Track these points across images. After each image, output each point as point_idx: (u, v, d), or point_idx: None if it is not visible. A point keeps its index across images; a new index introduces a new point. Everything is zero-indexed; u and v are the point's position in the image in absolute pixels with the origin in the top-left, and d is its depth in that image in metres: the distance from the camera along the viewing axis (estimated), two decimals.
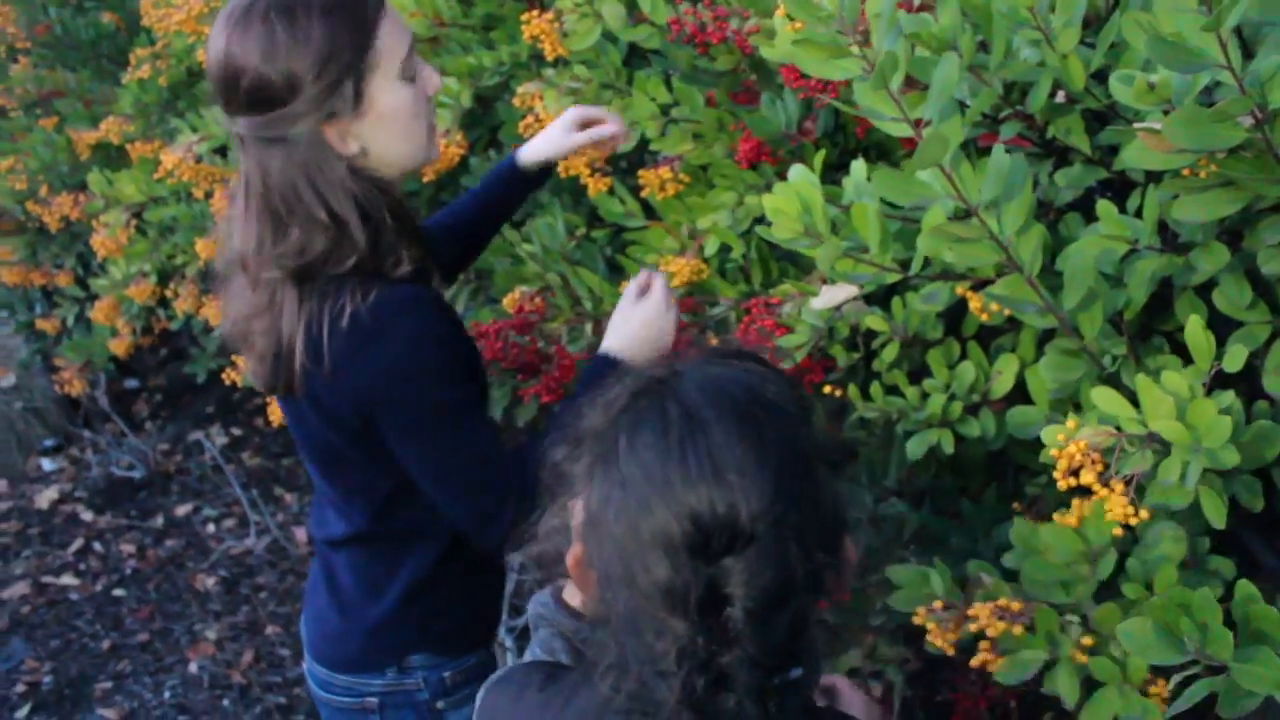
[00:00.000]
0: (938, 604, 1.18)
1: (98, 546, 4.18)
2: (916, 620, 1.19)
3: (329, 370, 1.35)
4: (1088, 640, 1.12)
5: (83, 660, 3.59)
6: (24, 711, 3.39)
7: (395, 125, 1.39)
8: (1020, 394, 1.38)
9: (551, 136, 1.76)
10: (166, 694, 3.42)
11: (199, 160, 2.77)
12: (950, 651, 1.18)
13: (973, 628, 1.14)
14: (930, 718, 2.35)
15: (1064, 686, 1.13)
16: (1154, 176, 1.20)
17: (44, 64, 3.82)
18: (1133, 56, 1.17)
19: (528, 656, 1.30)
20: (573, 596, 1.14)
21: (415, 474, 1.43)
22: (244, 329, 1.44)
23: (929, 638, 1.19)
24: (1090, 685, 1.14)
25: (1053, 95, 1.28)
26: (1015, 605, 1.13)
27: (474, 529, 1.45)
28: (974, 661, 1.15)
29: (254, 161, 1.36)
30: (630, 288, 1.53)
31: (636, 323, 1.49)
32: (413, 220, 1.46)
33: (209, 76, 1.38)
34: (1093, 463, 1.12)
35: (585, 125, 1.78)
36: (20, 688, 3.49)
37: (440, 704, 1.56)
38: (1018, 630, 1.12)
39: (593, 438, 0.98)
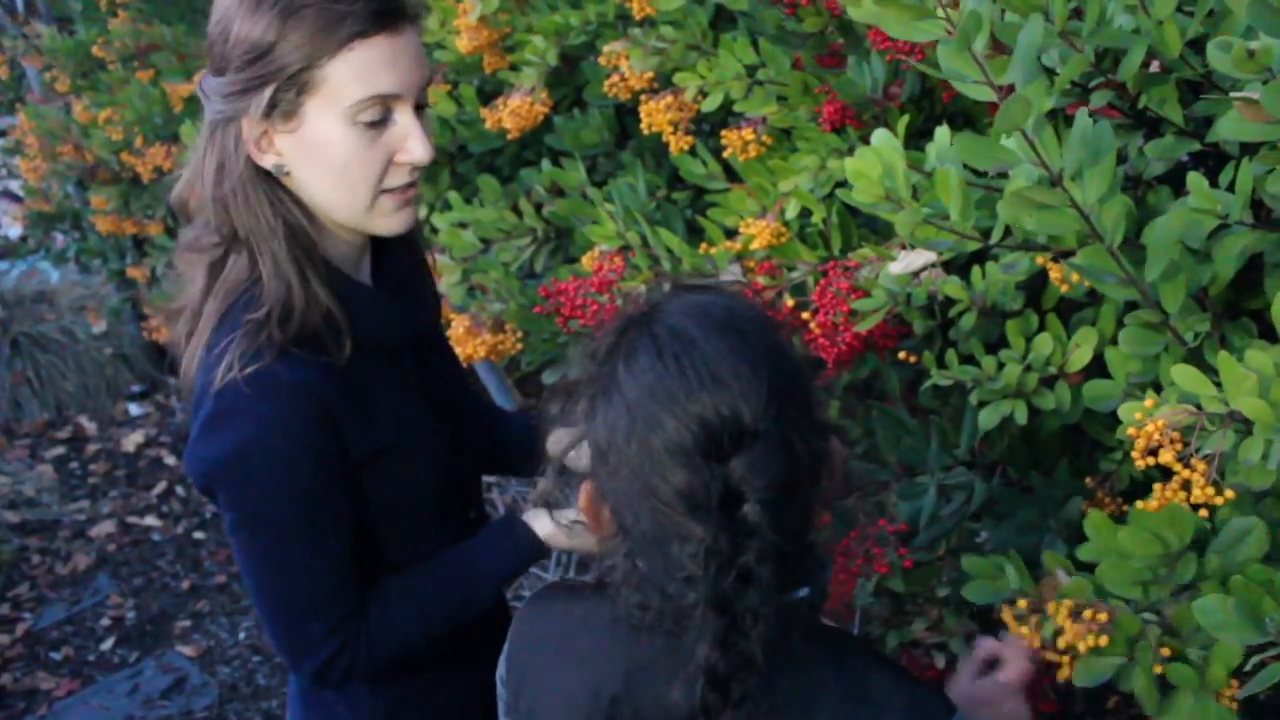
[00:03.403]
0: (1022, 604, 1.14)
1: (180, 490, 4.31)
2: (1005, 620, 1.15)
3: (194, 433, 1.27)
4: (1166, 650, 1.08)
5: (164, 598, 3.71)
6: (109, 643, 3.51)
7: (319, 161, 1.26)
8: (1099, 370, 1.36)
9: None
10: (242, 634, 3.53)
11: None
12: (1042, 649, 1.14)
13: (1061, 642, 1.10)
14: None
15: (1142, 690, 1.10)
16: (1249, 149, 1.17)
17: (142, 18, 3.90)
18: (1233, 24, 1.14)
19: None
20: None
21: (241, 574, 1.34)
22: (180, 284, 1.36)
23: (1026, 641, 1.14)
24: (1166, 684, 1.10)
25: (1146, 64, 1.25)
26: (1102, 615, 1.09)
27: (285, 657, 1.36)
28: (1060, 676, 1.12)
29: (207, 120, 1.30)
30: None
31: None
32: (328, 271, 1.31)
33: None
34: (1171, 442, 1.09)
35: None
36: (106, 621, 3.62)
37: None
38: (1103, 641, 1.08)
39: (586, 381, 1.03)
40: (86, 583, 3.81)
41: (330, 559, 1.31)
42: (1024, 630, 1.12)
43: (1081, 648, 1.08)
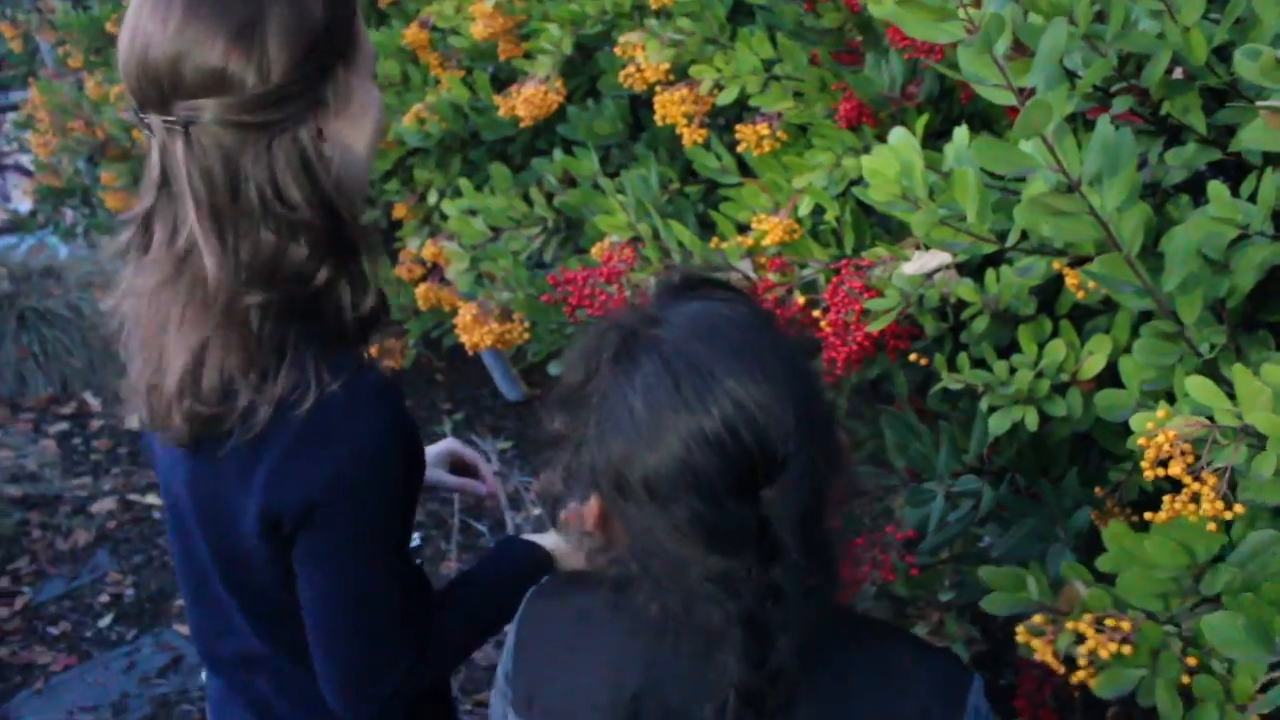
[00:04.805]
0: (1037, 619, 1.11)
1: None
2: (1019, 639, 1.12)
3: (277, 456, 1.15)
4: (1192, 660, 1.06)
5: (162, 576, 3.70)
6: (107, 620, 3.51)
7: (364, 129, 1.19)
8: (1112, 378, 1.34)
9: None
10: None
11: None
12: (1057, 665, 1.10)
13: (1081, 650, 1.06)
14: (993, 698, 2.33)
15: (1164, 703, 1.07)
16: (1272, 159, 1.16)
17: None
18: (1261, 31, 1.12)
19: None
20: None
21: (310, 602, 1.22)
22: (155, 350, 1.20)
23: (1037, 655, 1.11)
24: (1189, 697, 1.08)
25: (1170, 70, 1.24)
26: (1125, 624, 1.07)
27: (345, 686, 1.24)
28: (1075, 678, 1.08)
29: (198, 154, 1.12)
30: None
31: None
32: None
33: (146, 53, 1.11)
34: (1182, 454, 1.08)
35: (459, 465, 1.64)
36: (104, 598, 3.62)
37: None
38: (1126, 650, 1.06)
39: (585, 398, 0.98)
40: (86, 559, 3.81)
41: (412, 566, 1.26)
42: (1038, 645, 1.09)
43: (1104, 654, 1.05)
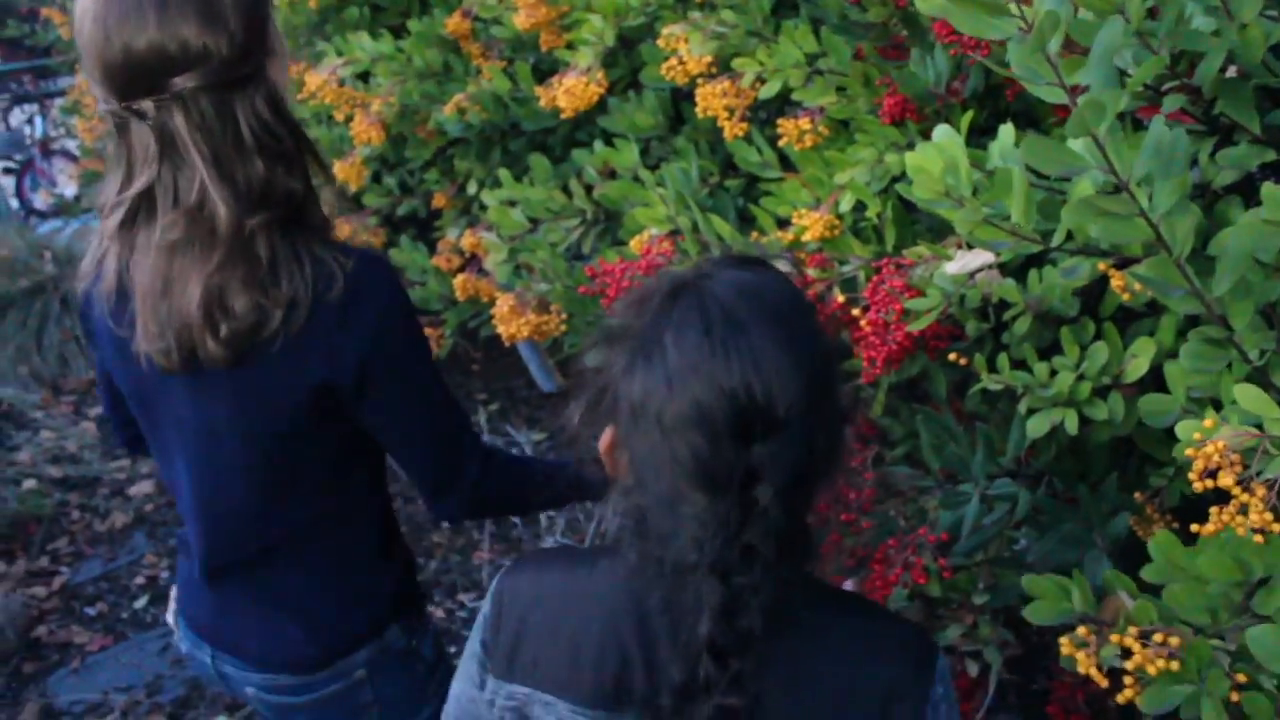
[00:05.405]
0: (1082, 630, 1.10)
1: None
2: (1063, 650, 1.11)
3: (329, 334, 1.34)
4: (1241, 677, 1.04)
5: None
6: (143, 602, 3.55)
7: (285, 63, 1.39)
8: (1155, 382, 1.32)
9: None
10: None
11: (342, 84, 2.82)
12: (1101, 679, 1.08)
13: (1129, 665, 1.06)
14: (1025, 703, 2.30)
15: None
16: None
17: None
18: None
19: None
20: None
21: (397, 434, 1.45)
22: (180, 292, 1.33)
23: (1080, 668, 1.09)
24: (1236, 714, 1.05)
25: (1223, 68, 1.21)
26: (1173, 639, 1.06)
27: (435, 484, 1.49)
28: (1121, 698, 1.07)
29: (196, 119, 1.29)
30: None
31: None
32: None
33: (130, 49, 1.27)
34: (1231, 465, 1.05)
35: None
36: (140, 580, 3.65)
37: (414, 641, 1.60)
38: (1174, 666, 1.05)
39: (627, 335, 1.06)
40: (123, 541, 3.85)
41: None
42: (1081, 658, 1.08)
43: (1152, 671, 1.04)
